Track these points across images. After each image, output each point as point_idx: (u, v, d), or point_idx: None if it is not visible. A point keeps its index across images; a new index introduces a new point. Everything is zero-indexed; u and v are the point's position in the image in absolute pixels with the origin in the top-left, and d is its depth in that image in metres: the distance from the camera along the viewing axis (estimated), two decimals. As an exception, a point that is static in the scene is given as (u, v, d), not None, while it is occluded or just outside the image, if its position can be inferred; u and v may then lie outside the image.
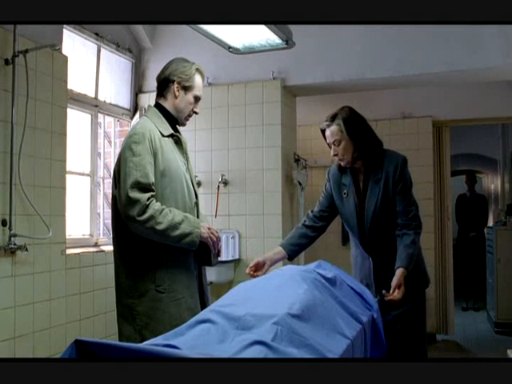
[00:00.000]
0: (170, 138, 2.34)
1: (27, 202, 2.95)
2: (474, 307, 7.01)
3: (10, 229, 2.85)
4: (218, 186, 4.12)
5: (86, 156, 3.91)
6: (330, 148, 2.57)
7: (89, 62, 3.89)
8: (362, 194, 2.56)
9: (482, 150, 8.25)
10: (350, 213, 2.59)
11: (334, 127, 2.50)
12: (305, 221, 2.72)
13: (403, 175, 2.50)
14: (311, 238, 2.70)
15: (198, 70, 2.40)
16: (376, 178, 2.51)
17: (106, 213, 4.16)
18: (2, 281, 2.84)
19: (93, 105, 3.92)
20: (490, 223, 7.66)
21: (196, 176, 3.70)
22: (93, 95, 3.93)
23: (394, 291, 2.33)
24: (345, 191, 2.60)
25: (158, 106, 2.40)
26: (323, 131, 2.58)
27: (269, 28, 2.45)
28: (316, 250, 5.14)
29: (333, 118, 2.53)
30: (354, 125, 2.51)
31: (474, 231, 7.12)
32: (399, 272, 2.38)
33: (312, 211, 2.73)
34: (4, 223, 2.84)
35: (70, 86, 3.49)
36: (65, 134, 3.34)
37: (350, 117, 2.52)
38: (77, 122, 3.81)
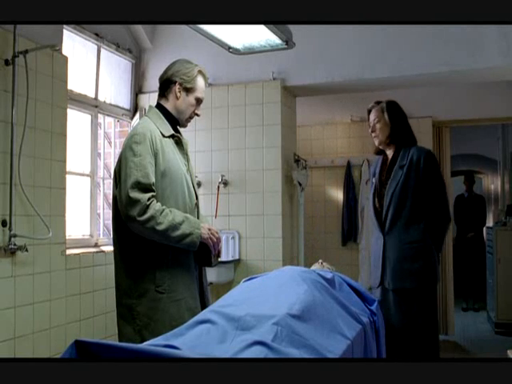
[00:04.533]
0: (171, 139, 2.33)
1: (27, 203, 2.95)
2: (473, 307, 7.01)
3: (10, 229, 2.85)
4: (218, 187, 4.12)
5: (86, 156, 3.91)
6: (373, 132, 2.95)
7: (89, 63, 3.89)
8: (385, 177, 2.89)
9: (481, 150, 8.23)
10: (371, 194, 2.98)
11: (377, 108, 2.95)
12: None
13: (428, 166, 2.78)
14: None
15: (200, 72, 2.40)
16: (401, 164, 2.83)
17: (106, 213, 4.16)
18: (2, 281, 2.84)
19: (93, 105, 3.92)
20: (490, 223, 7.66)
21: (196, 176, 3.70)
22: (93, 96, 3.93)
23: None
24: (373, 180, 3.03)
25: (159, 106, 2.40)
26: (369, 112, 3.00)
27: (269, 28, 2.45)
28: (316, 250, 5.16)
29: (378, 102, 2.98)
30: (395, 111, 2.95)
31: (473, 231, 7.13)
32: None
33: None
34: (4, 223, 2.84)
35: (69, 87, 3.49)
36: (65, 135, 3.34)
37: (393, 104, 2.97)
38: (77, 122, 3.80)
